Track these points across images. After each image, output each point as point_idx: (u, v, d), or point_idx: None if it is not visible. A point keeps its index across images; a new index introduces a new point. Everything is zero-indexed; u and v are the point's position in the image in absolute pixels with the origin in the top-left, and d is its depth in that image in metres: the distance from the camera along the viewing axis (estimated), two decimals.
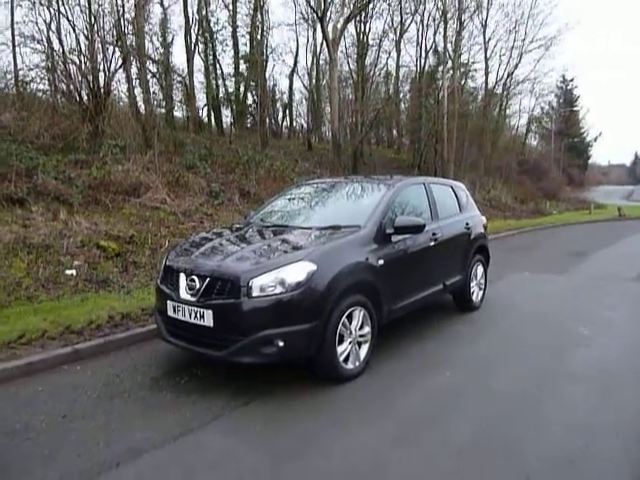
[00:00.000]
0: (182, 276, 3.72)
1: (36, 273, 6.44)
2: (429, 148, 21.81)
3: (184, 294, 3.65)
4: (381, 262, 4.01)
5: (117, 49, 14.65)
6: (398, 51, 25.28)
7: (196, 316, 3.52)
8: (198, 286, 3.56)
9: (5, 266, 6.44)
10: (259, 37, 21.33)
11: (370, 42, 22.04)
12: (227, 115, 25.23)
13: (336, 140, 16.82)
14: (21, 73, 16.22)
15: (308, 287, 3.41)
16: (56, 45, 13.44)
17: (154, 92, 15.86)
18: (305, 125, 27.50)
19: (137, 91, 16.68)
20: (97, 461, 2.68)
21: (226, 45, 22.86)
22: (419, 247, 4.61)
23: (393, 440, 2.97)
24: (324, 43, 18.58)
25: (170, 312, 3.75)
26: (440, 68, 22.93)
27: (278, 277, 3.39)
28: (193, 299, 3.57)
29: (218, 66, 23.12)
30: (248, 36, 22.03)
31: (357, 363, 3.86)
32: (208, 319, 3.46)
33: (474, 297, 5.89)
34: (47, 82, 15.55)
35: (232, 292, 3.41)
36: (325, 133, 28.28)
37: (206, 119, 23.19)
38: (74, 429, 3.06)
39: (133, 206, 9.84)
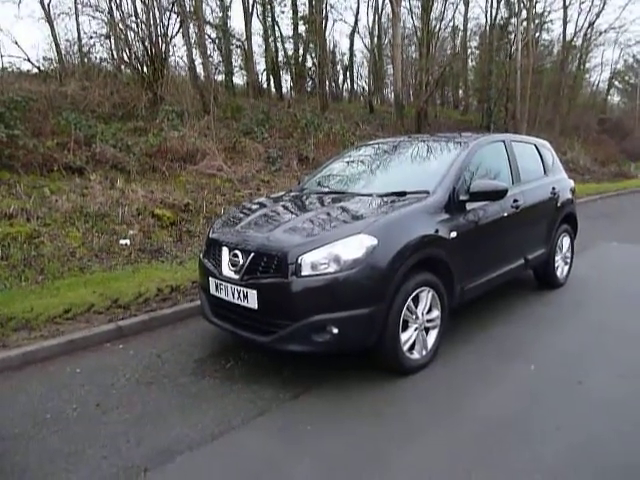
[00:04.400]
0: (225, 250, 3.29)
1: (90, 242, 6.32)
2: (499, 107, 20.22)
3: (227, 271, 3.23)
4: (454, 234, 3.39)
5: (174, 14, 14.41)
6: (466, 3, 23.42)
7: (239, 296, 3.10)
8: (242, 262, 3.13)
9: (62, 235, 6.37)
10: None
11: None
12: (286, 79, 24.66)
13: (399, 101, 15.84)
14: (83, 42, 16.41)
15: (367, 265, 2.88)
16: (115, 12, 13.30)
17: (210, 56, 15.44)
18: (366, 87, 26.38)
19: (196, 56, 16.49)
20: (124, 465, 2.34)
21: (284, 6, 22.05)
22: (498, 216, 3.93)
23: (467, 454, 2.45)
24: None
25: (213, 290, 3.36)
26: (513, 20, 21.00)
27: (332, 253, 2.88)
28: (236, 277, 3.14)
29: (277, 28, 22.44)
30: None
31: (424, 352, 3.32)
32: (252, 300, 3.02)
33: (558, 273, 5.13)
34: (108, 50, 15.63)
35: (279, 270, 2.95)
36: (387, 95, 27.04)
37: (265, 84, 22.75)
38: (106, 422, 2.75)
39: (189, 173, 9.63)
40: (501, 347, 3.73)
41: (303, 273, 2.89)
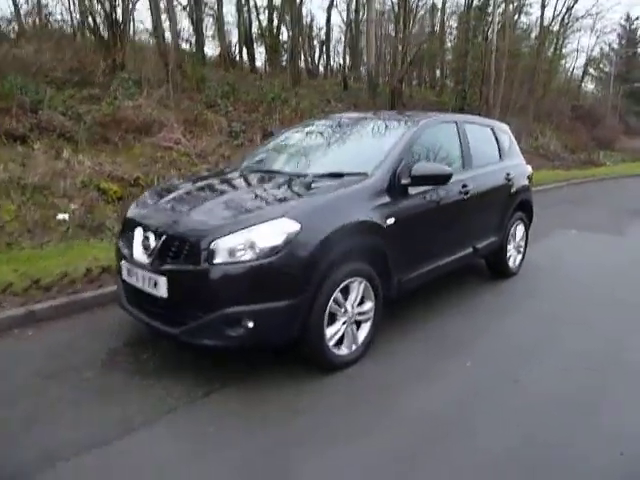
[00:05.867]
0: (138, 231, 2.98)
1: (24, 216, 5.89)
2: (474, 90, 19.99)
3: (138, 254, 2.92)
4: (391, 221, 3.14)
5: None
6: None
7: (149, 283, 2.80)
8: (153, 245, 2.82)
9: None
10: None
11: None
12: (261, 52, 23.87)
13: (371, 78, 15.43)
14: (44, 3, 15.48)
15: (287, 253, 2.61)
16: None
17: (176, 22, 14.67)
18: (340, 63, 25.81)
19: (163, 23, 15.71)
20: None
21: None
22: (444, 202, 3.70)
23: (390, 459, 2.24)
24: None
25: (125, 275, 3.05)
26: (491, 1, 20.63)
27: (248, 239, 2.60)
28: (147, 261, 2.84)
29: None
30: None
31: (354, 347, 3.09)
32: (162, 288, 2.72)
33: (511, 262, 4.96)
34: (67, 12, 14.79)
35: (190, 255, 2.66)
36: (364, 72, 26.53)
37: (238, 56, 21.99)
38: None
39: (144, 145, 9.14)
40: (440, 341, 3.54)
41: (216, 260, 2.60)
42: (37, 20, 15.20)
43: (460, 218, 3.97)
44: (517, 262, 5.11)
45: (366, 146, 3.80)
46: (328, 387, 2.86)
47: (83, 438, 2.34)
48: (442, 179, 3.37)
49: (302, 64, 23.26)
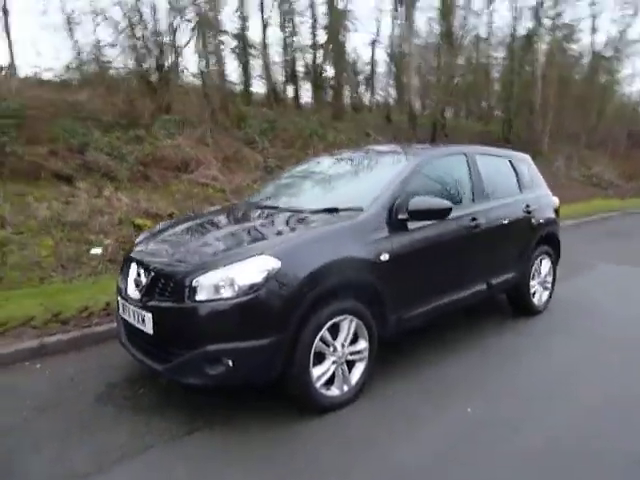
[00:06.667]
0: (133, 267, 3.06)
1: (60, 253, 6.20)
2: (521, 119, 19.57)
3: (131, 290, 2.99)
4: (385, 257, 3.05)
5: (187, 22, 14.53)
6: (490, 12, 22.85)
7: (138, 319, 2.86)
8: (144, 282, 2.89)
9: (33, 244, 6.27)
10: (338, 4, 20.17)
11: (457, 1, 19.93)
12: (307, 89, 24.51)
13: (412, 111, 15.46)
14: (102, 52, 16.67)
15: (267, 290, 2.58)
16: (126, 21, 13.42)
17: (222, 64, 15.32)
18: (384, 97, 26.01)
19: (210, 65, 16.51)
20: None
21: (304, 15, 21.99)
22: (450, 237, 3.58)
23: None
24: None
25: (120, 311, 3.13)
26: (538, 29, 20.36)
27: (228, 276, 2.60)
28: (137, 297, 2.90)
29: (297, 38, 22.37)
30: (327, 4, 20.97)
31: (345, 388, 2.98)
32: (148, 324, 2.77)
33: (536, 299, 4.69)
34: (121, 60, 15.83)
35: (174, 292, 2.68)
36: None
37: (286, 94, 22.67)
38: None
39: (182, 182, 9.51)
40: (443, 384, 3.34)
41: (197, 298, 2.61)
42: (96, 67, 16.39)
43: (470, 253, 3.81)
44: (543, 299, 4.83)
45: (365, 181, 3.76)
46: (313, 431, 2.76)
47: (58, 474, 2.36)
48: (441, 213, 3.26)
49: (348, 99, 23.70)
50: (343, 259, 2.88)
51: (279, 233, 2.96)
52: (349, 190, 3.69)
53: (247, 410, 2.94)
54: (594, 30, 21.78)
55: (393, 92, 25.35)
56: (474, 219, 3.80)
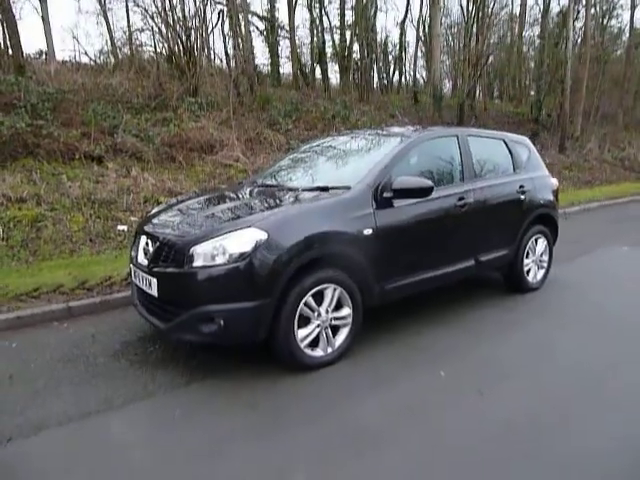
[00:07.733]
0: (142, 238, 3.45)
1: (90, 228, 6.70)
2: (552, 99, 19.16)
3: (140, 258, 3.39)
4: (368, 231, 3.34)
5: (215, 3, 14.87)
6: None
7: (145, 283, 3.25)
8: (151, 250, 3.27)
9: (65, 220, 6.79)
10: None
11: None
12: (335, 70, 24.53)
13: (436, 92, 15.40)
14: (121, 36, 17.17)
15: (255, 258, 2.91)
16: (153, 5, 13.81)
17: (239, 47, 15.58)
18: (412, 77, 25.83)
19: (237, 48, 16.80)
20: None
21: None
22: (435, 214, 3.81)
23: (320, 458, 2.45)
24: None
25: (132, 276, 3.53)
26: (572, 5, 19.73)
27: (221, 245, 2.94)
28: (145, 264, 3.29)
29: (325, 19, 22.40)
30: None
31: (329, 349, 3.30)
32: (154, 287, 3.16)
33: (530, 276, 4.87)
34: (152, 43, 16.28)
35: (175, 260, 3.05)
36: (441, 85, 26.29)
37: (314, 75, 22.80)
38: (9, 392, 3.00)
39: (206, 163, 9.92)
40: (426, 352, 3.58)
41: (194, 264, 2.97)
42: (128, 51, 16.94)
43: (457, 230, 4.04)
44: (539, 277, 4.99)
45: (356, 162, 4.02)
46: (296, 384, 3.09)
47: (70, 412, 2.78)
48: (423, 191, 3.50)
49: (376, 80, 23.65)
50: (325, 232, 3.17)
51: (269, 207, 3.28)
52: (343, 170, 3.97)
53: (239, 367, 3.31)
54: (633, 6, 20.90)
55: (423, 73, 25.14)
56: (462, 198, 4.01)
